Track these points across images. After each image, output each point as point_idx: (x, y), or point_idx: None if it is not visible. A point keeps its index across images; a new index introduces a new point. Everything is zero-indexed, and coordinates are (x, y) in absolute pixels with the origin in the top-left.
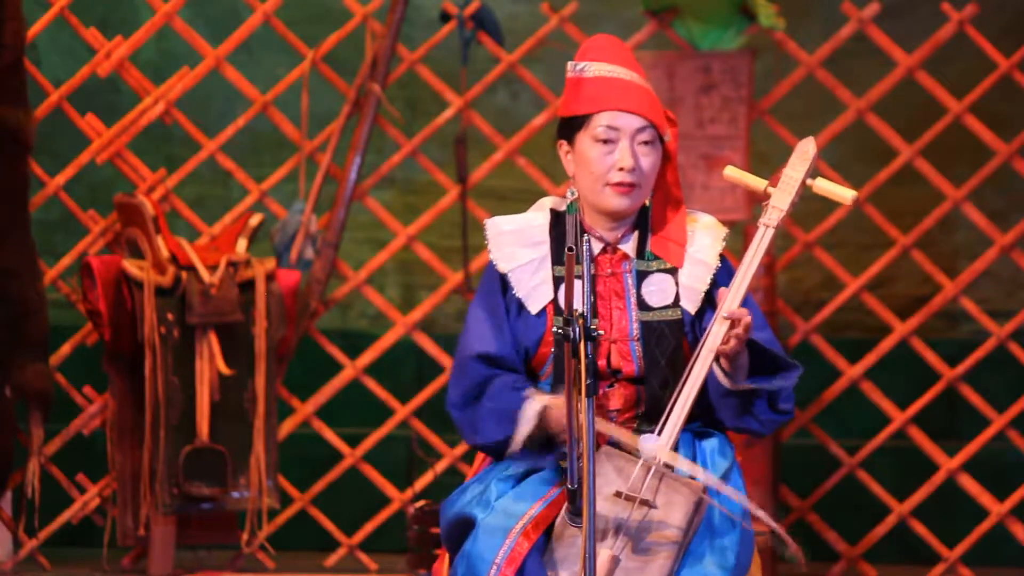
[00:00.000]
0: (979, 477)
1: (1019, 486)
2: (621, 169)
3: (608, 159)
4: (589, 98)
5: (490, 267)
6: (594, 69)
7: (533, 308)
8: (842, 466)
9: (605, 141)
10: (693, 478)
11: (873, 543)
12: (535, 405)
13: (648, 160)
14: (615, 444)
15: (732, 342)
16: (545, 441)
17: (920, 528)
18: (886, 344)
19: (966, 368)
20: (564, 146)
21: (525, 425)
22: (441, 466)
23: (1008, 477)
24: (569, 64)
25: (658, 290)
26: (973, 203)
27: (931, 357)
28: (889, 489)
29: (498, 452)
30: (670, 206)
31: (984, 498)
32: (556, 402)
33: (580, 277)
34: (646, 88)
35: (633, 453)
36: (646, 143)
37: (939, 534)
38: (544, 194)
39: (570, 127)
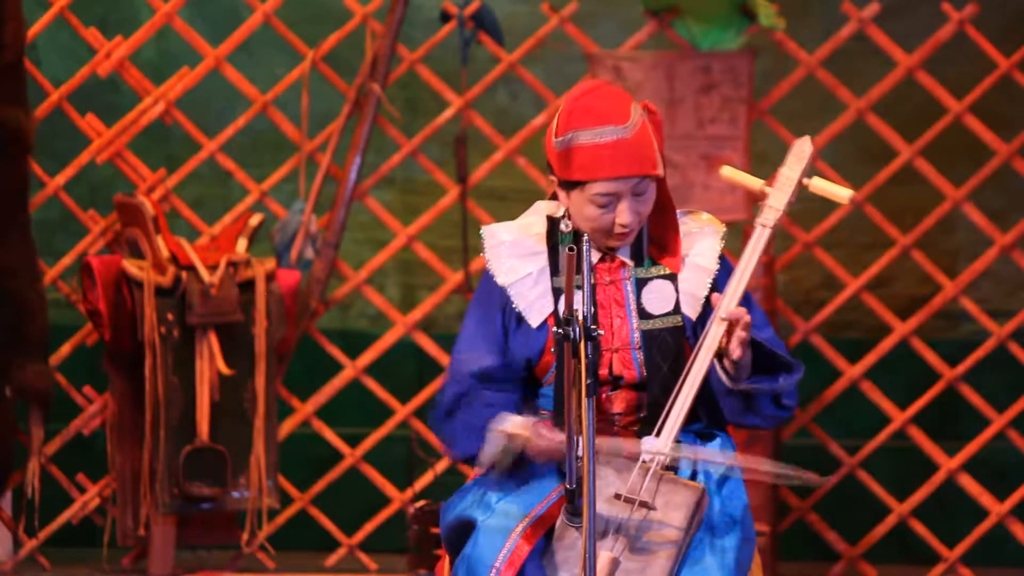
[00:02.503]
0: (979, 477)
1: (1019, 486)
2: (622, 224)
3: (608, 217)
4: (581, 167)
5: (487, 276)
6: (581, 138)
7: (534, 321)
8: (842, 466)
9: (602, 205)
10: (695, 475)
11: (873, 543)
12: (499, 434)
13: (646, 204)
14: (616, 452)
15: (735, 343)
16: (513, 463)
17: (920, 528)
18: (886, 344)
19: (966, 368)
20: (555, 181)
21: (490, 449)
22: (441, 466)
23: (1008, 477)
24: (555, 140)
25: (658, 297)
26: (973, 203)
27: (931, 357)
28: (889, 489)
29: (472, 464)
30: (664, 212)
31: (984, 498)
32: (523, 430)
33: (580, 287)
34: (635, 137)
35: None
36: (642, 193)
37: (939, 534)
38: (544, 194)
39: (564, 178)
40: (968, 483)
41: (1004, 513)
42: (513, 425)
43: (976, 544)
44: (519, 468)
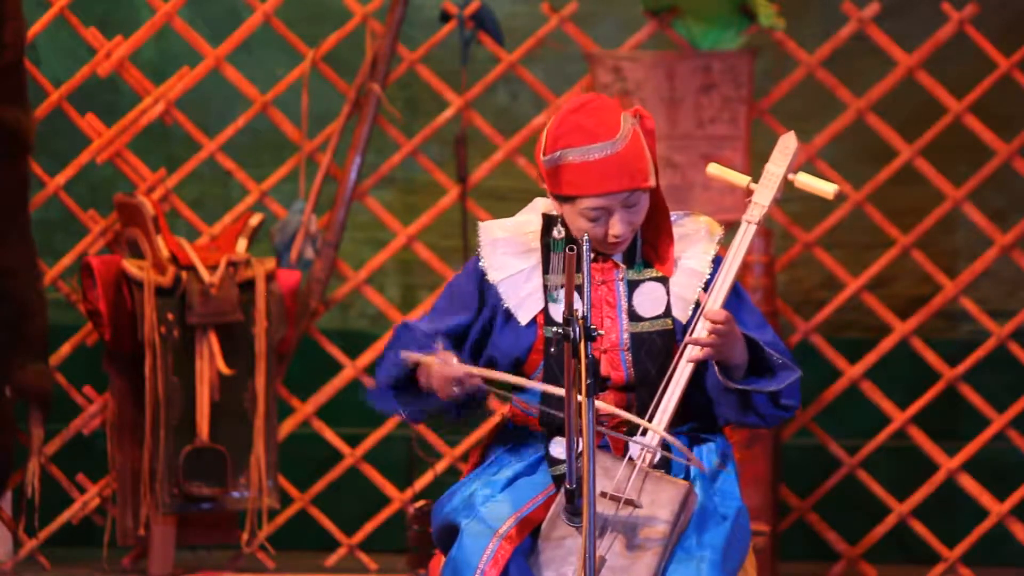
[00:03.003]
0: (979, 477)
1: (1019, 486)
2: (614, 235)
3: (600, 229)
4: (570, 183)
5: (473, 267)
6: (569, 157)
7: (523, 318)
8: (842, 466)
9: (593, 219)
10: (687, 473)
11: (873, 543)
12: (406, 359)
13: (638, 214)
14: (603, 445)
15: (708, 341)
16: (410, 392)
17: (920, 528)
18: (886, 344)
19: (966, 368)
20: (548, 187)
21: (396, 368)
22: (441, 466)
23: (1008, 477)
24: (544, 158)
25: (649, 299)
26: (973, 203)
27: (931, 357)
28: (889, 489)
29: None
30: (657, 217)
31: (984, 498)
32: (429, 358)
33: (580, 286)
34: (624, 150)
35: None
36: (634, 204)
37: (939, 534)
38: (544, 194)
39: (554, 192)
40: (968, 483)
41: (1004, 513)
42: (421, 354)
43: (976, 544)
44: (428, 403)
